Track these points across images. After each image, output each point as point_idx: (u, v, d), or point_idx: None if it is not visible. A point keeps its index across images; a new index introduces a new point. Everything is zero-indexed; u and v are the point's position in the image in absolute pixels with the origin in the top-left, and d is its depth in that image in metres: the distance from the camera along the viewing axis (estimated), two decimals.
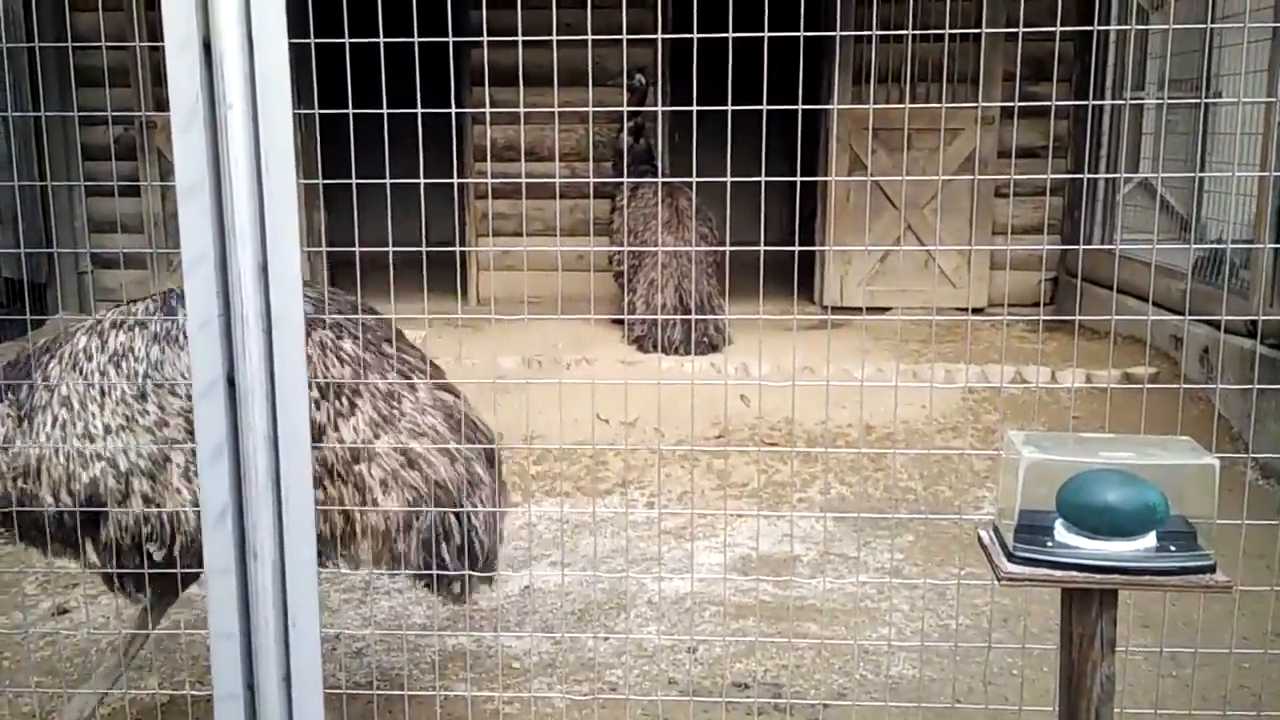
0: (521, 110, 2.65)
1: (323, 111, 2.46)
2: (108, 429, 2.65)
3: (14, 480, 2.68)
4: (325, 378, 2.66)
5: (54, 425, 2.65)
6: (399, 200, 2.38)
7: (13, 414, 2.69)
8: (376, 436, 2.67)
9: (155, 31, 2.09)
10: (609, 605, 3.91)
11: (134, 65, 6.94)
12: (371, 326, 2.83)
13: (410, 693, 3.25)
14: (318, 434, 2.60)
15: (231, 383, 2.18)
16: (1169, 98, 7.07)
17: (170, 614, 3.81)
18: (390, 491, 2.66)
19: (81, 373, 2.68)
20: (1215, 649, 2.77)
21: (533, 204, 7.54)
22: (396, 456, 2.67)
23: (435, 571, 2.70)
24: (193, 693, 3.28)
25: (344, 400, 2.67)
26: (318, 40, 2.24)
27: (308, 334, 2.58)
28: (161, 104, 6.87)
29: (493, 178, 7.43)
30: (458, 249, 7.59)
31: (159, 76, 6.95)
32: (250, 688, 2.27)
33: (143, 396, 2.66)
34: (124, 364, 2.68)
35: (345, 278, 7.81)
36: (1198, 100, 6.44)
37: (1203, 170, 6.81)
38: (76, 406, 2.66)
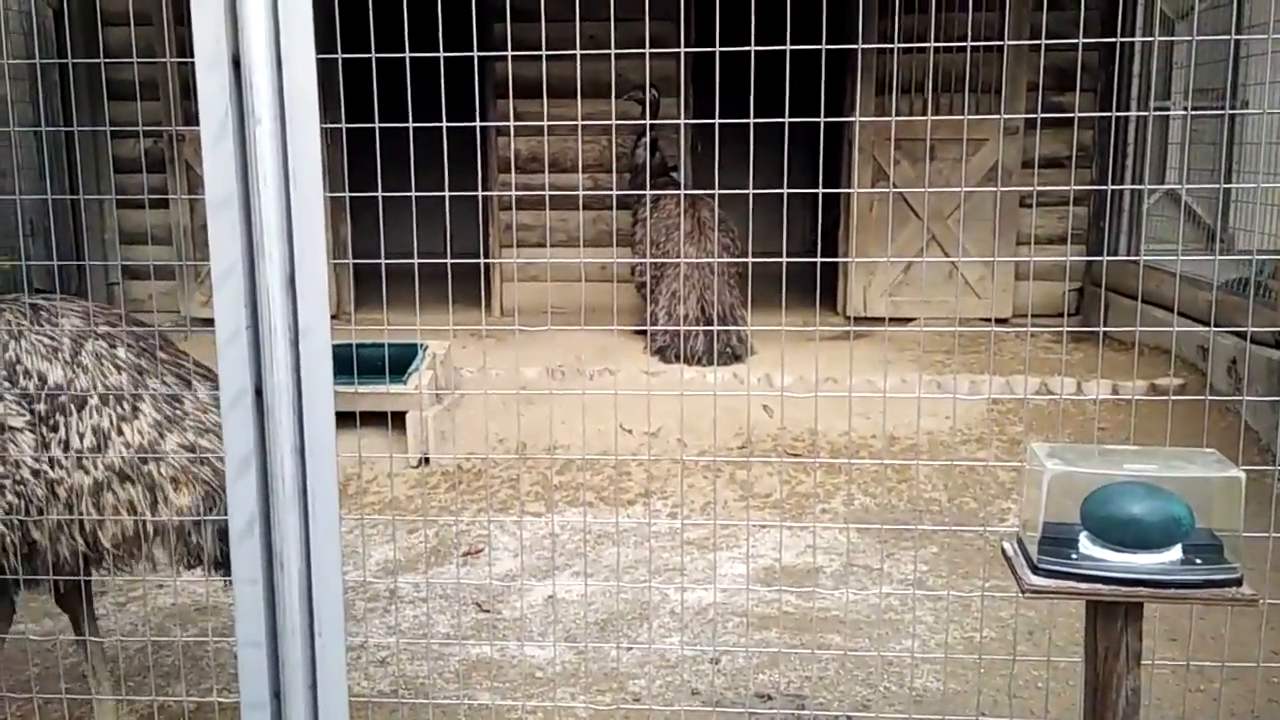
0: (545, 123, 2.67)
1: (349, 125, 2.49)
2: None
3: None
4: (103, 385, 2.71)
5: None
6: (423, 212, 2.40)
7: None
8: (162, 436, 2.72)
9: (184, 46, 2.13)
10: (632, 615, 3.92)
11: (163, 79, 7.04)
12: (141, 335, 2.89)
13: (435, 701, 3.26)
14: (102, 441, 2.66)
15: (259, 394, 2.21)
16: (1195, 108, 7.02)
17: (198, 622, 3.86)
18: (181, 488, 2.71)
19: None
20: (1243, 663, 2.74)
21: (556, 215, 7.58)
22: (184, 454, 2.73)
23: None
24: (220, 700, 3.32)
25: (125, 405, 2.72)
26: (345, 55, 2.27)
27: (79, 346, 2.71)
28: (190, 118, 6.97)
29: (516, 189, 7.48)
30: (481, 260, 7.63)
31: (188, 90, 7.05)
32: (277, 695, 2.29)
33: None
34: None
35: (371, 289, 7.87)
36: (1224, 110, 6.40)
37: (1230, 180, 6.76)
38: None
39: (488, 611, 3.99)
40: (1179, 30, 7.25)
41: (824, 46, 2.26)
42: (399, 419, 5.50)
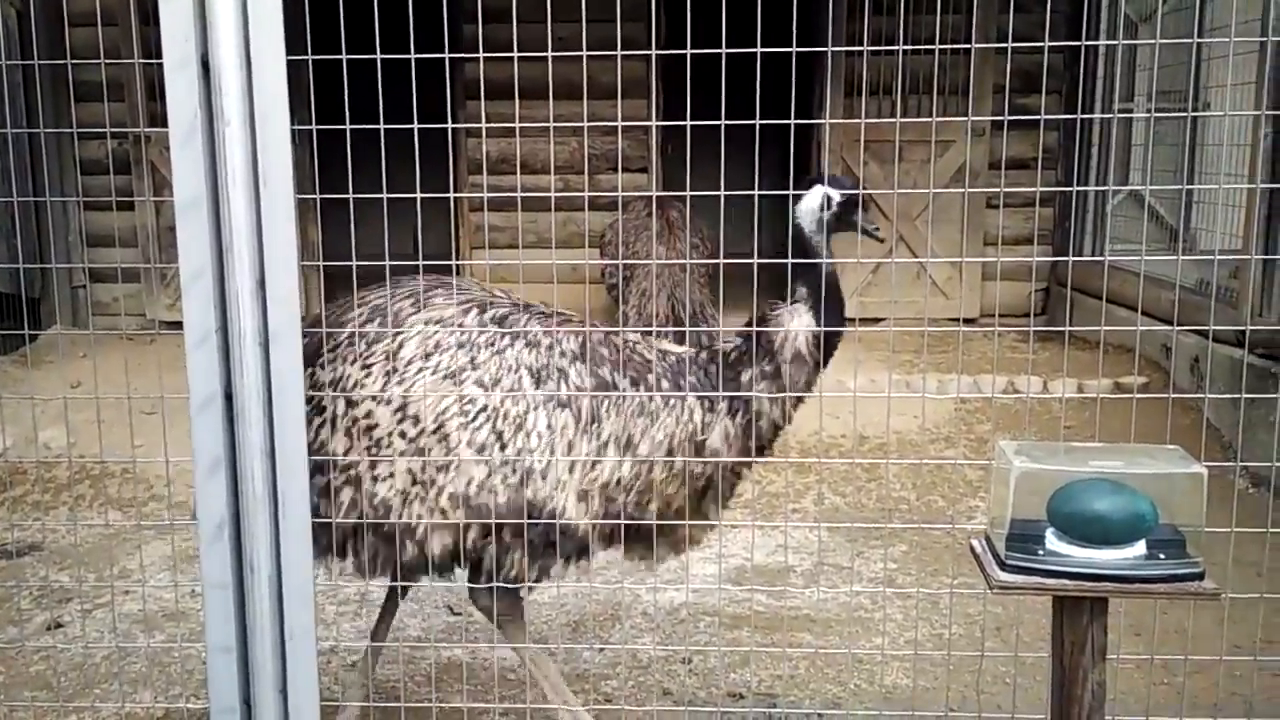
0: (517, 125, 2.67)
1: (319, 127, 2.48)
2: None
3: None
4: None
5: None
6: (393, 214, 2.40)
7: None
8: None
9: (150, 47, 2.11)
10: (604, 616, 3.92)
11: (129, 80, 6.97)
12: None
13: (407, 704, 3.25)
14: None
15: (229, 397, 2.19)
16: (1158, 110, 7.13)
17: (165, 628, 3.82)
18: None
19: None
20: (1206, 656, 2.79)
21: (526, 216, 7.57)
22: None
23: None
24: (189, 706, 3.29)
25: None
26: (315, 57, 2.26)
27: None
28: (156, 119, 6.91)
29: (487, 191, 7.46)
30: (454, 262, 7.60)
31: (154, 91, 6.99)
32: (247, 701, 2.28)
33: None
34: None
35: (342, 292, 7.82)
36: (1187, 112, 6.49)
37: (1192, 181, 6.87)
38: None
39: (459, 614, 3.98)
40: (1142, 33, 7.36)
41: (793, 49, 2.28)
42: None
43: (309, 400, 2.57)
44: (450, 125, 2.46)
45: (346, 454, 2.63)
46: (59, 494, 5.25)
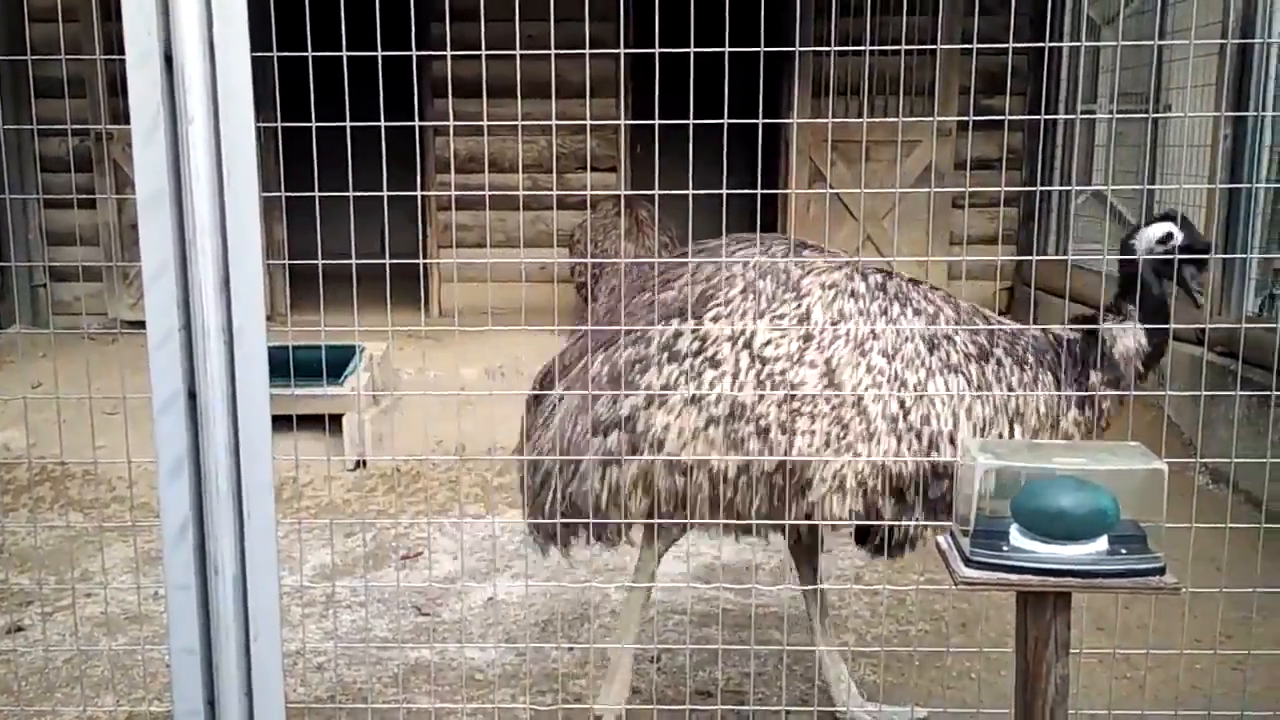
0: (487, 123, 2.66)
1: (285, 125, 2.46)
2: None
3: None
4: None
5: None
6: (360, 212, 2.38)
7: None
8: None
9: (111, 43, 2.09)
10: (572, 616, 3.92)
11: (91, 76, 6.88)
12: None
13: (374, 706, 3.23)
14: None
15: (192, 396, 2.17)
16: (1120, 111, 7.22)
17: (128, 630, 3.78)
18: None
19: None
20: (1167, 650, 2.83)
21: (495, 215, 7.55)
22: None
23: None
24: (151, 709, 3.26)
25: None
26: (280, 54, 2.24)
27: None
28: (118, 115, 6.83)
29: (455, 189, 7.43)
30: (422, 261, 7.57)
31: (115, 88, 6.90)
32: (211, 703, 2.26)
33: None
34: None
35: (306, 291, 7.76)
36: (1148, 114, 6.58)
37: (1153, 182, 6.96)
38: None
39: (427, 615, 3.96)
40: (1105, 36, 7.45)
41: (763, 49, 2.29)
42: (335, 421, 5.45)
43: (697, 350, 2.70)
44: (417, 123, 2.45)
45: (754, 407, 2.69)
46: (19, 496, 5.17)
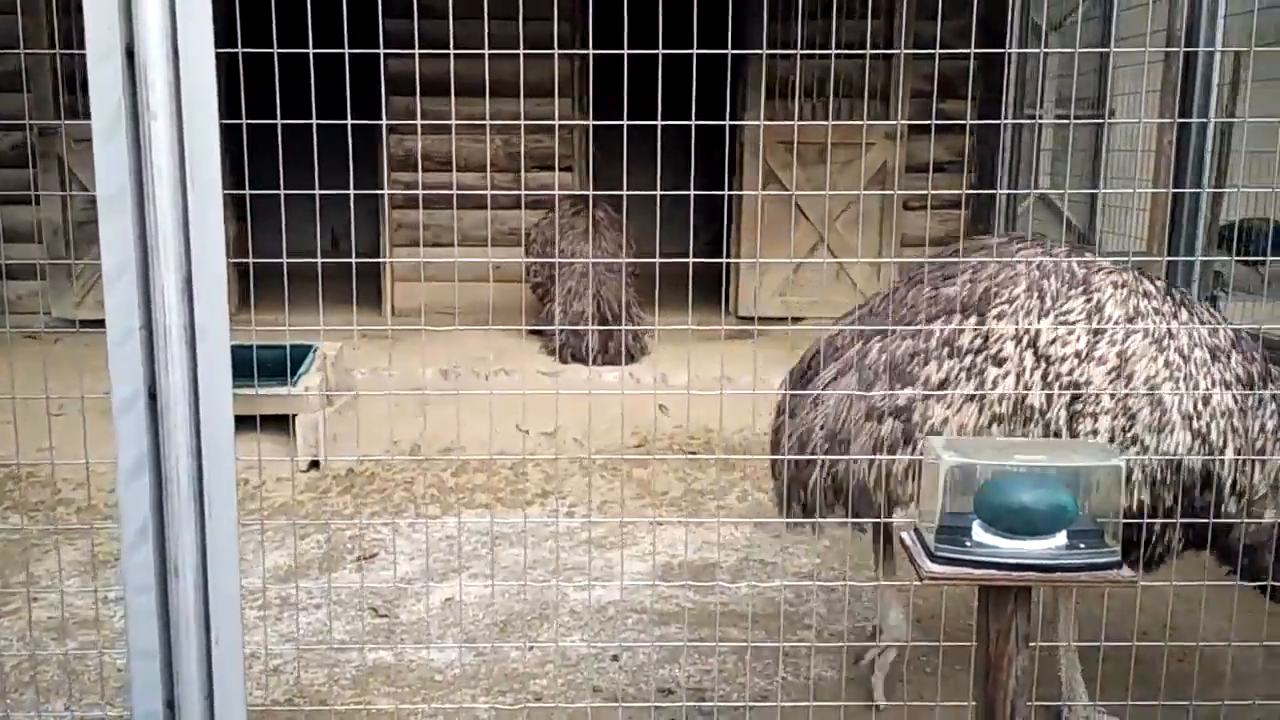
0: (453, 122, 2.66)
1: (249, 122, 2.43)
2: None
3: None
4: None
5: None
6: (312, 211, 2.36)
7: None
8: None
9: (65, 37, 2.05)
10: (531, 616, 3.91)
11: (39, 71, 6.72)
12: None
13: (335, 708, 3.21)
14: None
15: (153, 396, 2.14)
16: (1065, 115, 7.36)
17: (76, 635, 3.71)
18: None
19: None
20: (1119, 643, 2.90)
21: (448, 214, 7.50)
22: None
23: None
24: (104, 714, 3.20)
25: None
26: (246, 50, 2.22)
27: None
28: (68, 112, 6.68)
29: (410, 188, 7.38)
30: (386, 260, 7.52)
31: (67, 83, 6.75)
32: (170, 705, 2.24)
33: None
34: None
35: (259, 290, 7.64)
36: (1096, 119, 6.72)
37: (1097, 186, 7.11)
38: None
39: (385, 616, 3.94)
40: (1052, 42, 7.59)
41: (729, 51, 2.31)
42: (289, 422, 5.38)
43: (979, 347, 2.71)
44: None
45: (1042, 408, 2.66)
46: None
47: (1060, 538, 2.02)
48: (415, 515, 4.96)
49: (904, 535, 2.14)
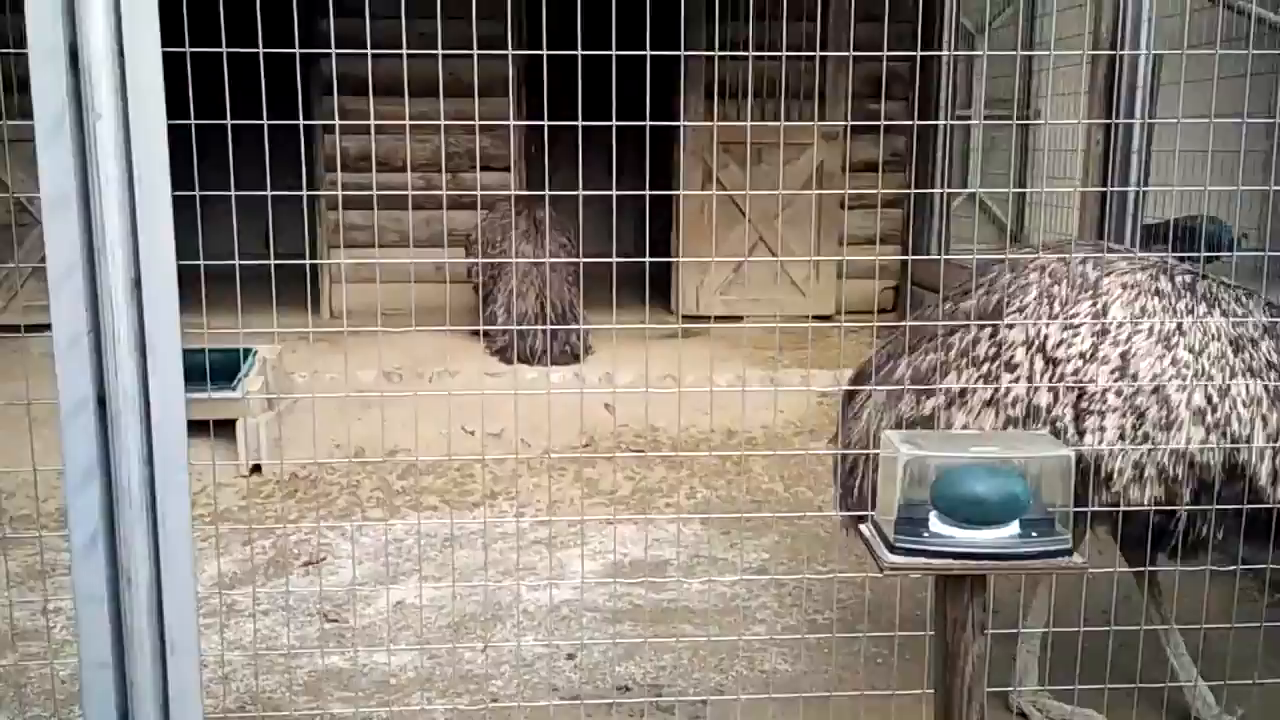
0: (395, 123, 2.64)
1: (190, 123, 2.39)
2: None
3: None
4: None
5: None
6: (245, 212, 2.33)
7: None
8: None
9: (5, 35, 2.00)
10: (484, 617, 3.90)
11: None
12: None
13: (292, 714, 3.17)
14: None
15: (101, 402, 2.10)
16: (992, 117, 7.54)
17: (18, 647, 3.60)
18: None
19: None
20: (1066, 629, 2.98)
21: (388, 215, 7.42)
22: None
23: None
24: None
25: None
26: (194, 50, 2.17)
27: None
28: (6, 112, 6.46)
29: (345, 188, 7.29)
30: (328, 262, 7.41)
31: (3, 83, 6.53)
32: (125, 717, 2.19)
33: None
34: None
35: (189, 293, 7.49)
36: (1020, 120, 6.89)
37: (1023, 184, 7.29)
38: None
39: (335, 621, 3.89)
40: (978, 44, 7.76)
41: (673, 53, 2.33)
42: (228, 427, 5.29)
43: (994, 355, 2.77)
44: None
45: (1049, 408, 2.70)
46: None
47: (1014, 527, 2.07)
48: (362, 519, 4.90)
49: (863, 528, 2.18)
